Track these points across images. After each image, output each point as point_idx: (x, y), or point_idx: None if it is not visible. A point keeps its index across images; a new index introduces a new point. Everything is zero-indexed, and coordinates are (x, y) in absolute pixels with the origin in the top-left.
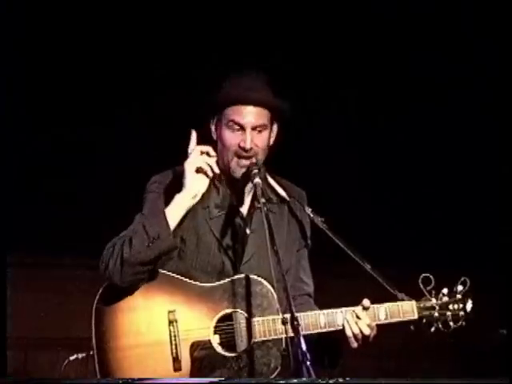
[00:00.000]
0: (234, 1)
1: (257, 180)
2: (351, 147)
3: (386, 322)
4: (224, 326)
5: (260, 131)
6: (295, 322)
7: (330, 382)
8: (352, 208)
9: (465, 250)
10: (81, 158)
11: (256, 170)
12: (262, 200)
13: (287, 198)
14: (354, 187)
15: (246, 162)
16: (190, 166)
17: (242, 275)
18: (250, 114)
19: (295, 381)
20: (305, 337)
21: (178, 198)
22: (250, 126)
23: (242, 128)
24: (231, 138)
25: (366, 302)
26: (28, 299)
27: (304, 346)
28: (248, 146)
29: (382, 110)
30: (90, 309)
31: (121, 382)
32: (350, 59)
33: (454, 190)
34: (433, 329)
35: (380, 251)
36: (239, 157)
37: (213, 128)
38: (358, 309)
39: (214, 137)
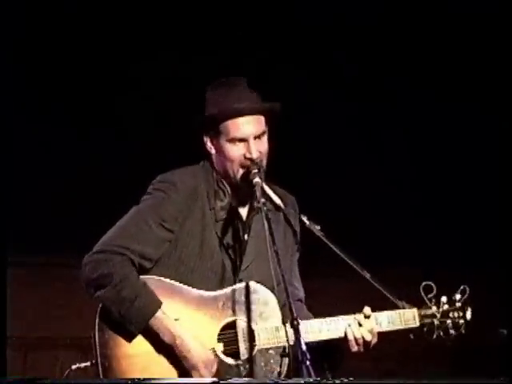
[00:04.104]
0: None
1: (256, 180)
2: (352, 148)
3: (389, 329)
4: (227, 334)
5: (260, 138)
6: (295, 322)
7: (330, 382)
8: (350, 209)
9: (465, 250)
10: (81, 157)
11: (255, 170)
12: (262, 200)
13: (282, 206)
14: (354, 188)
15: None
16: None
17: (244, 283)
18: (250, 125)
19: (295, 381)
20: (307, 344)
21: (173, 325)
22: (253, 137)
23: (244, 140)
24: (235, 151)
25: (367, 310)
26: (28, 299)
27: (304, 347)
28: (255, 156)
29: (380, 107)
30: (91, 309)
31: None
32: (344, 55)
33: (455, 191)
34: (434, 336)
35: (380, 253)
36: (245, 167)
37: (208, 143)
38: (360, 316)
39: (211, 150)
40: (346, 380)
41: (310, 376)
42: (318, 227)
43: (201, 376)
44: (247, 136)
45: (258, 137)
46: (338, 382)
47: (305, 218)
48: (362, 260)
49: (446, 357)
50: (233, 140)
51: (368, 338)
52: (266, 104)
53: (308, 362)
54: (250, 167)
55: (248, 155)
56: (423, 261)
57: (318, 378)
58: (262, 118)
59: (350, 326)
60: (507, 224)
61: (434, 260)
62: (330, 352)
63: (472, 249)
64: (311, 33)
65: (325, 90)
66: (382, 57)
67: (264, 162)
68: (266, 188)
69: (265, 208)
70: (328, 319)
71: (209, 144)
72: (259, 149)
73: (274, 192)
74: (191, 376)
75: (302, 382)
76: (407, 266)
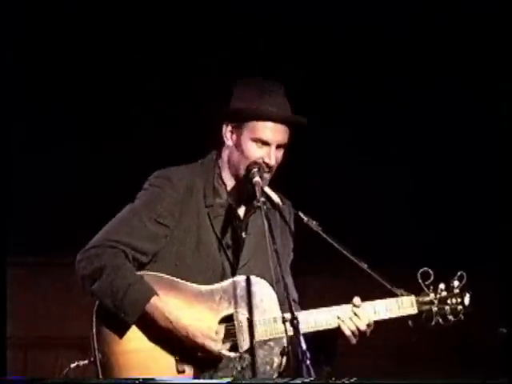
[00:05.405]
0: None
1: (256, 179)
2: (349, 145)
3: (387, 317)
4: (225, 327)
5: (281, 148)
6: (295, 321)
7: (330, 382)
8: (349, 206)
9: (465, 249)
10: (81, 157)
11: (255, 169)
12: (262, 199)
13: (280, 203)
14: (354, 188)
15: (265, 175)
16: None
17: (242, 276)
18: (278, 133)
19: (295, 381)
20: (304, 335)
21: (171, 311)
22: (276, 144)
23: (267, 144)
24: (255, 151)
25: (356, 300)
26: (28, 299)
27: (304, 345)
28: (273, 163)
29: (379, 106)
30: (91, 308)
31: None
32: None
33: (454, 187)
34: (433, 323)
35: (378, 249)
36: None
37: (227, 133)
38: (350, 306)
39: (228, 141)
40: (347, 380)
41: (310, 375)
42: (316, 223)
43: (206, 349)
44: (272, 141)
45: (279, 146)
46: (338, 382)
47: (302, 215)
48: (357, 256)
49: (446, 357)
50: (257, 140)
51: (362, 327)
52: (298, 117)
53: (308, 362)
54: (251, 166)
55: (267, 160)
56: (423, 261)
57: (319, 379)
58: (288, 131)
59: (342, 320)
60: (507, 224)
61: (434, 260)
62: (324, 344)
63: (472, 248)
64: (311, 33)
65: (325, 90)
66: (382, 57)
67: (273, 172)
68: (265, 187)
69: (264, 207)
70: (320, 310)
71: (227, 135)
72: (277, 157)
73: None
74: (194, 360)
75: (302, 382)
76: (406, 266)
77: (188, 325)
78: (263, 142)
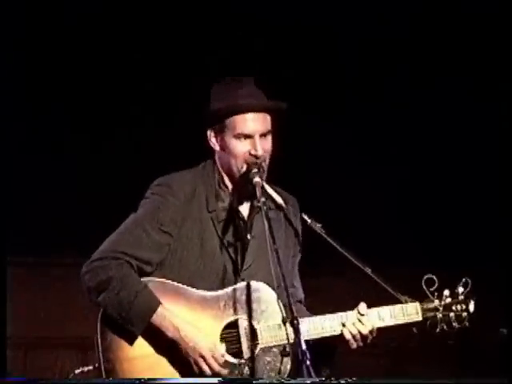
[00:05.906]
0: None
1: (256, 179)
2: (349, 145)
3: (392, 324)
4: (230, 333)
5: (265, 136)
6: (295, 321)
7: (330, 382)
8: (350, 209)
9: (465, 250)
10: (81, 157)
11: (255, 170)
12: (262, 199)
13: (283, 205)
14: (354, 188)
15: (263, 165)
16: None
17: (245, 282)
18: (256, 122)
19: (295, 381)
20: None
21: (175, 319)
22: (259, 134)
23: (250, 136)
24: (240, 147)
25: (361, 308)
26: (28, 299)
27: (304, 346)
28: (260, 153)
29: (379, 106)
30: (91, 309)
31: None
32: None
33: (454, 187)
34: (437, 329)
35: (378, 249)
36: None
37: (212, 138)
38: (355, 313)
39: (215, 146)
40: (348, 380)
41: (310, 376)
42: (320, 225)
43: (208, 367)
44: (253, 132)
45: (263, 135)
46: (342, 382)
47: (306, 216)
48: (361, 260)
49: (446, 356)
50: (239, 136)
51: (365, 332)
52: (273, 102)
53: (308, 362)
54: (250, 166)
55: (253, 152)
56: (423, 261)
57: (319, 378)
58: (268, 117)
59: (346, 326)
60: (507, 224)
61: (434, 260)
62: (323, 347)
63: (472, 249)
64: (311, 33)
65: (324, 90)
66: (382, 57)
67: (267, 162)
68: (267, 187)
69: (265, 207)
70: (325, 316)
71: (213, 140)
72: (264, 147)
73: (275, 191)
74: (197, 371)
75: (302, 382)
76: (407, 266)
77: (198, 341)
78: (246, 136)
